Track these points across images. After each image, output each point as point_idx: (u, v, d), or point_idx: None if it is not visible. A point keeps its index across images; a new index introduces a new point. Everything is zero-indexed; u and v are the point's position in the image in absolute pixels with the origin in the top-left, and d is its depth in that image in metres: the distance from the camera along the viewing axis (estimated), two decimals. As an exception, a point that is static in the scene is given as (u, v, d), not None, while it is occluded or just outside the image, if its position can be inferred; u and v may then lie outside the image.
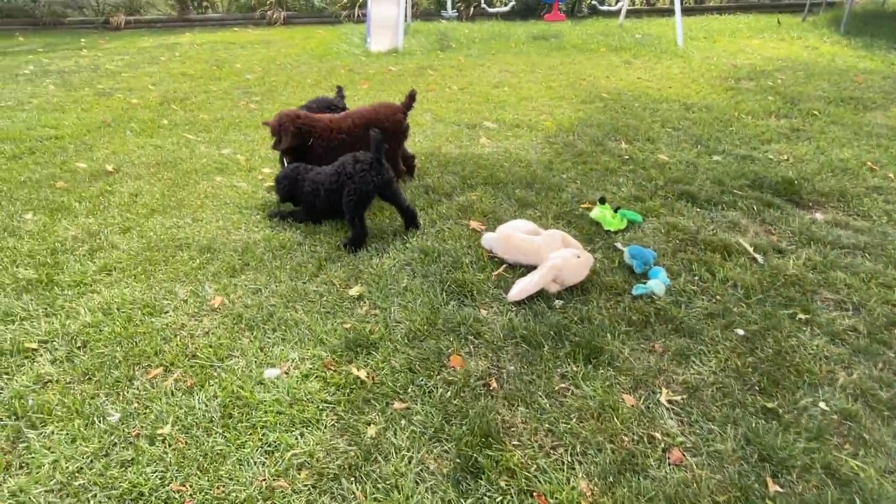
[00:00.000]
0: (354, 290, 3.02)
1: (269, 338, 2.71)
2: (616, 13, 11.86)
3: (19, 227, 3.80)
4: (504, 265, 3.20)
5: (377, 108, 4.20)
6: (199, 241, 3.55)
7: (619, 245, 3.35)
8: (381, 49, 8.93)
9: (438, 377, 2.45)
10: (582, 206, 3.92)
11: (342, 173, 3.46)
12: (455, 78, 7.47)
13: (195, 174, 4.58)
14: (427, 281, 3.09)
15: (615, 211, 3.62)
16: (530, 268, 3.13)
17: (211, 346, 2.65)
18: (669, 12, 12.59)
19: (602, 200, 3.71)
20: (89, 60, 9.02)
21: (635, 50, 8.98)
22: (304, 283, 3.12)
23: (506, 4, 10.30)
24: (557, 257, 2.94)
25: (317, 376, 2.48)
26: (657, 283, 2.98)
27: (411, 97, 4.11)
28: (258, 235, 3.59)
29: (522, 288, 2.87)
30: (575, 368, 2.49)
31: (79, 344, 2.70)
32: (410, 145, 5.00)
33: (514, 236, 3.19)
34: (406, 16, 9.42)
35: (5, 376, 2.53)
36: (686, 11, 9.17)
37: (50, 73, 8.30)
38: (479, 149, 4.99)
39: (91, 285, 3.16)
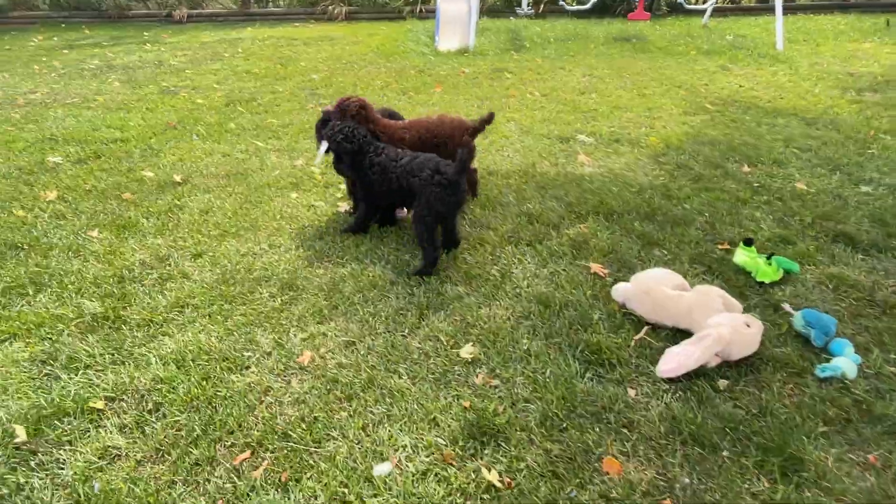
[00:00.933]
0: (466, 352, 2.52)
1: (372, 412, 2.23)
2: (698, 13, 11.00)
3: (84, 247, 3.46)
4: (645, 327, 2.64)
5: (445, 121, 3.62)
6: (280, 274, 3.12)
7: (787, 307, 2.73)
8: (450, 48, 8.42)
9: (593, 488, 1.92)
10: (719, 246, 3.31)
11: (420, 176, 2.99)
12: (535, 82, 6.89)
13: (268, 189, 4.17)
14: (552, 343, 2.56)
15: (768, 258, 3.00)
16: (678, 331, 2.56)
17: (304, 421, 2.19)
18: (757, 11, 11.63)
19: (748, 242, 3.10)
20: (153, 55, 8.83)
21: (730, 54, 8.18)
22: (404, 336, 2.64)
23: (584, 3, 9.59)
24: (724, 325, 2.36)
25: (437, 474, 1.98)
26: (846, 363, 2.37)
27: (487, 120, 3.46)
28: (345, 270, 3.13)
29: (681, 363, 2.31)
30: (768, 485, 1.92)
31: (150, 406, 2.29)
32: (499, 161, 4.48)
33: (656, 291, 2.62)
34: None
35: (67, 446, 2.13)
36: (773, 11, 8.27)
37: (114, 68, 8.14)
38: (578, 168, 4.42)
39: (162, 325, 2.76)
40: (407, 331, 2.67)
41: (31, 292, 3.05)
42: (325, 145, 3.33)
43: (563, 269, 3.10)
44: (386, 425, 2.17)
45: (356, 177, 3.33)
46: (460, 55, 8.19)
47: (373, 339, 2.62)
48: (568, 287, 2.94)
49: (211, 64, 8.19)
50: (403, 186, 3.09)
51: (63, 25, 11.74)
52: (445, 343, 2.58)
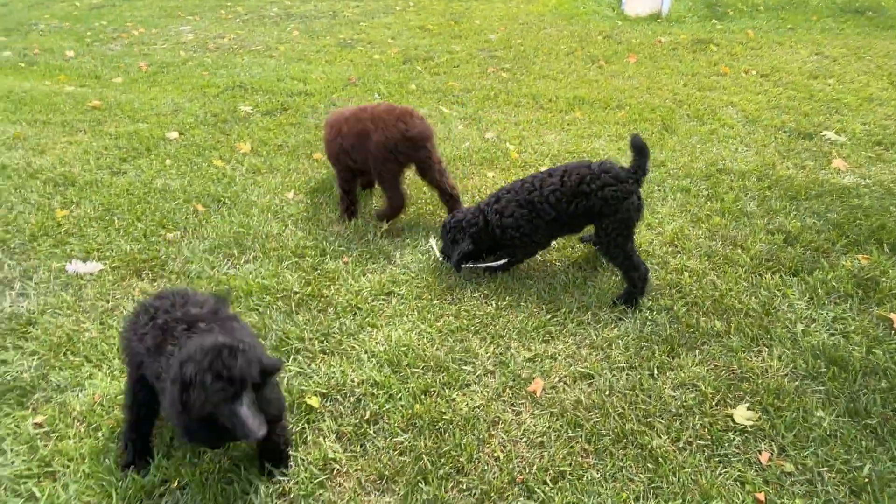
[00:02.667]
0: (742, 416, 1.98)
1: (632, 479, 1.79)
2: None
3: (282, 210, 3.34)
4: None
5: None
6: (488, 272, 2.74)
7: None
8: (639, 13, 7.47)
9: None
10: None
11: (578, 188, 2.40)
12: (750, 59, 5.85)
13: (461, 163, 3.81)
14: (862, 425, 1.94)
15: None
16: None
17: (547, 473, 1.81)
18: None
19: None
20: (327, 5, 8.82)
21: None
22: (652, 376, 2.15)
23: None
24: None
25: None
26: None
27: None
28: (565, 277, 2.68)
29: None
30: None
31: (367, 414, 2.04)
32: (727, 155, 3.72)
33: None
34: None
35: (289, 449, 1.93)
36: None
37: (292, 16, 8.21)
38: (833, 175, 3.56)
39: (368, 315, 2.51)
40: (655, 370, 2.18)
41: (236, 254, 2.96)
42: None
43: (851, 317, 2.41)
44: (653, 502, 1.73)
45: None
46: (652, 20, 7.24)
47: (614, 375, 2.16)
48: (863, 343, 2.26)
49: (384, 17, 7.98)
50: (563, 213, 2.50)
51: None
52: (710, 397, 2.06)
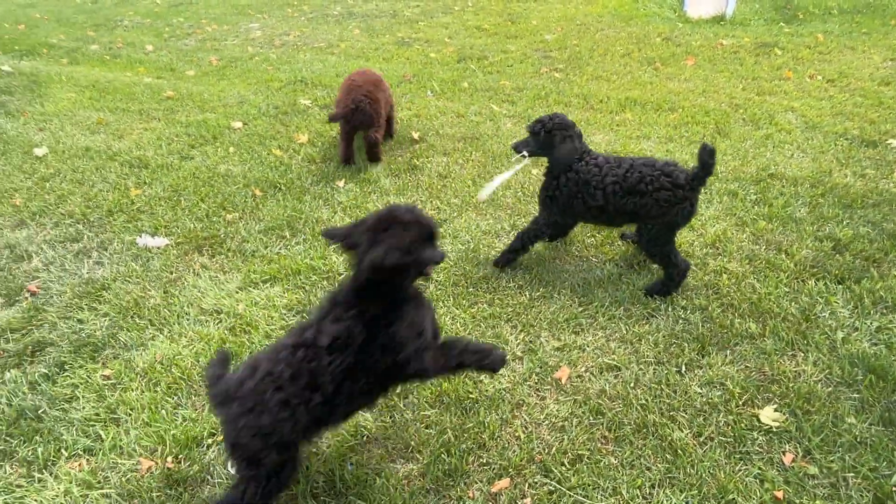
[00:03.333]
0: (768, 416, 1.99)
1: (649, 468, 1.83)
2: None
3: (332, 197, 3.52)
4: None
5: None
6: (527, 263, 2.81)
7: None
8: (702, 14, 7.30)
9: None
10: None
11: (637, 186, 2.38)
12: (816, 63, 5.62)
13: (506, 160, 3.88)
14: (889, 433, 1.90)
15: None
16: None
17: (566, 456, 1.87)
18: None
19: None
20: (388, 5, 9.06)
21: None
22: (679, 373, 2.17)
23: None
24: None
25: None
26: None
27: None
28: (599, 273, 2.72)
29: None
30: None
31: (398, 390, 2.15)
32: (780, 161, 3.62)
33: None
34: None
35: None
36: None
37: (354, 15, 8.49)
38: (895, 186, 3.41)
39: (406, 298, 2.62)
40: (683, 367, 2.20)
41: (287, 236, 3.15)
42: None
43: (897, 327, 2.33)
44: (668, 491, 1.76)
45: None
46: (715, 23, 7.06)
47: (640, 369, 2.19)
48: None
49: (442, 17, 8.13)
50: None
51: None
52: (736, 396, 2.06)
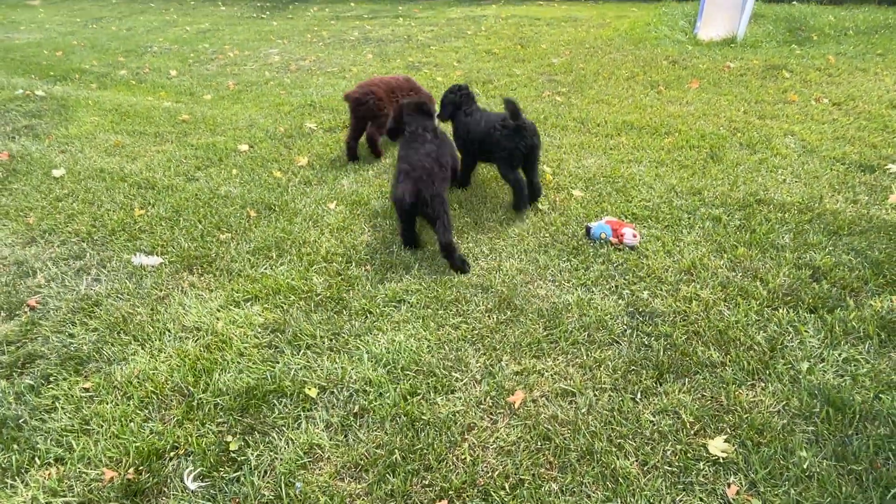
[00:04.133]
0: (717, 447, 1.96)
1: (589, 495, 1.84)
2: None
3: (322, 218, 3.63)
4: None
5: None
6: (497, 286, 2.86)
7: None
8: (713, 37, 7.28)
9: None
10: None
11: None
12: (824, 86, 5.55)
13: (495, 184, 3.95)
14: (847, 470, 1.87)
15: None
16: None
17: (507, 480, 1.89)
18: None
19: None
20: (404, 30, 9.29)
21: None
22: (634, 400, 2.18)
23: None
24: None
25: None
26: None
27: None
28: (570, 297, 2.74)
29: None
30: None
31: (356, 408, 2.22)
32: (771, 185, 3.59)
33: None
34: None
35: (282, 428, 2.15)
36: None
37: (370, 40, 8.73)
38: (889, 212, 3.34)
39: (377, 318, 2.70)
40: (639, 394, 2.20)
41: (274, 256, 3.27)
42: None
43: (866, 359, 2.29)
44: (607, 523, 1.77)
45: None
46: (725, 45, 7.03)
47: (595, 395, 2.21)
48: (872, 387, 2.15)
49: (454, 41, 8.30)
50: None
51: (334, -2, 13.15)
52: (688, 426, 2.05)
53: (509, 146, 3.34)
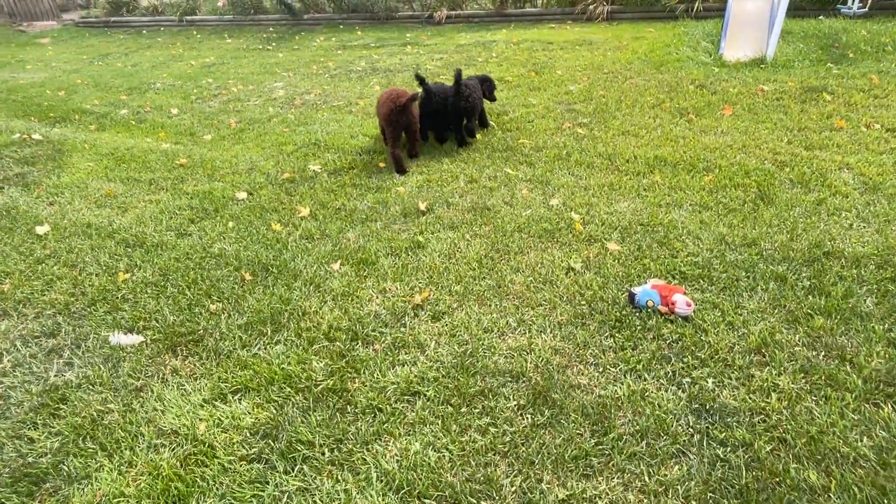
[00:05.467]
0: None
1: None
2: None
3: (325, 283, 3.21)
4: None
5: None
6: (529, 372, 2.41)
7: None
8: (739, 57, 6.84)
9: None
10: None
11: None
12: (872, 109, 5.07)
13: (518, 235, 3.51)
14: None
15: None
16: None
17: None
18: None
19: None
20: (412, 58, 8.99)
21: None
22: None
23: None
24: None
25: None
26: None
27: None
28: (620, 387, 2.28)
29: None
30: None
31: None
32: (837, 233, 3.11)
33: None
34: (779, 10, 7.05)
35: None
36: None
37: (377, 71, 8.43)
38: (985, 264, 2.83)
39: (389, 418, 2.26)
40: (722, 537, 1.71)
41: (269, 332, 2.85)
42: None
43: None
44: None
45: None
46: (754, 66, 6.58)
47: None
48: None
49: (465, 69, 7.95)
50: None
51: (341, 27, 12.92)
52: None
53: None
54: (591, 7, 10.46)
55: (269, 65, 9.70)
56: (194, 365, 2.70)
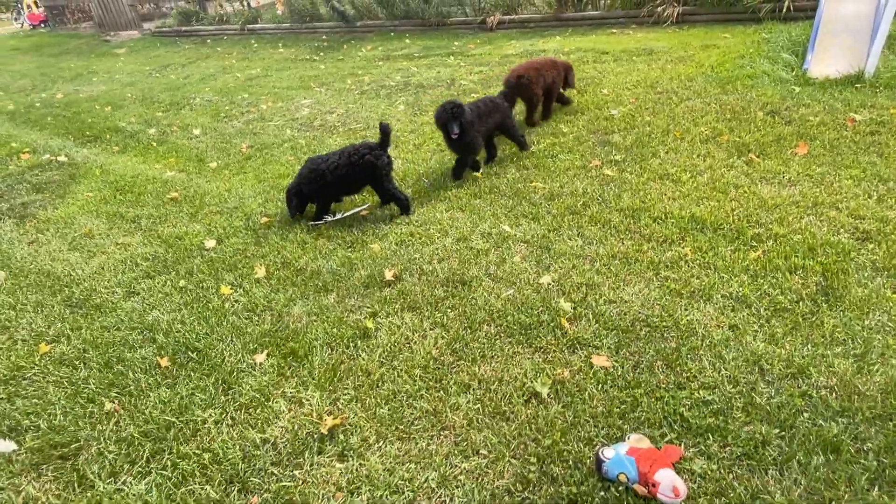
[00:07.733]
0: None
1: None
2: None
3: (240, 381, 2.64)
4: None
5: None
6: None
7: None
8: (829, 73, 5.57)
9: None
10: None
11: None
12: None
13: (487, 329, 2.78)
14: None
15: None
16: None
17: None
18: None
19: None
20: (450, 72, 8.30)
21: None
22: None
23: None
24: None
25: None
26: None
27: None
28: None
29: None
30: None
31: None
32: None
33: None
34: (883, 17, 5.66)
35: None
36: None
37: (409, 87, 7.83)
38: None
39: None
40: None
41: (148, 453, 2.31)
42: None
43: None
44: None
45: None
46: (847, 86, 5.31)
47: None
48: None
49: (500, 86, 7.16)
50: None
51: (392, 34, 12.43)
52: None
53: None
54: (658, 9, 9.26)
55: (307, 77, 9.38)
56: (50, 495, 2.22)
